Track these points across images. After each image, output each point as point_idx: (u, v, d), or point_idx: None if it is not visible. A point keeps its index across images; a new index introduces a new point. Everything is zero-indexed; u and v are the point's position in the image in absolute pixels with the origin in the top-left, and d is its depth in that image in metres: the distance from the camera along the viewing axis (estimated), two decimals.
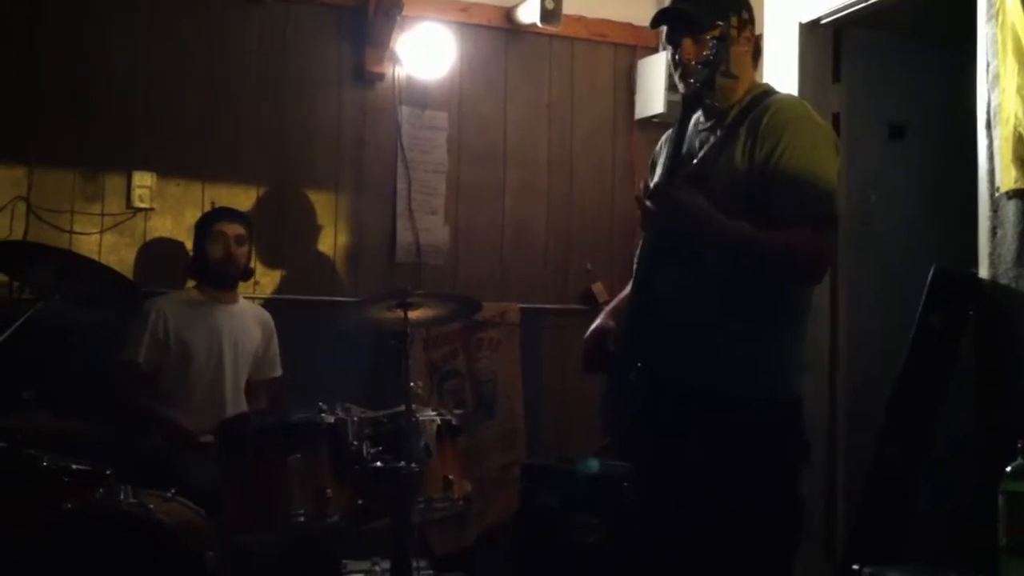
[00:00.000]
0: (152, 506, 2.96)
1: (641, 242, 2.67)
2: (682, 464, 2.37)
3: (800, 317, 2.47)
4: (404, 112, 4.62)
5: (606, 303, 4.77)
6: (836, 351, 3.96)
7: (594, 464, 3.67)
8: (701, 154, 2.46)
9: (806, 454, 2.47)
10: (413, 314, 3.40)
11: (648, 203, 2.38)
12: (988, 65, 3.01)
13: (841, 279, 3.94)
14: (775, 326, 2.41)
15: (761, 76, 2.69)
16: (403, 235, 4.60)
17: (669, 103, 4.73)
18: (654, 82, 4.83)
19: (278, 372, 4.10)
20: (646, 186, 2.50)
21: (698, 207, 2.32)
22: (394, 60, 4.58)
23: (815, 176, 2.35)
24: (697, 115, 2.53)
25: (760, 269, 2.37)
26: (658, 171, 2.65)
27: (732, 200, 2.35)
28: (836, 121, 3.93)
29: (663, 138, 2.75)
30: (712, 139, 2.47)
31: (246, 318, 4.04)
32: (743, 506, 2.31)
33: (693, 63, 2.43)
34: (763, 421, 2.35)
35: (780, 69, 4.02)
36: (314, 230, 4.47)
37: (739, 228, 2.32)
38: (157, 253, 4.19)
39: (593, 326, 2.65)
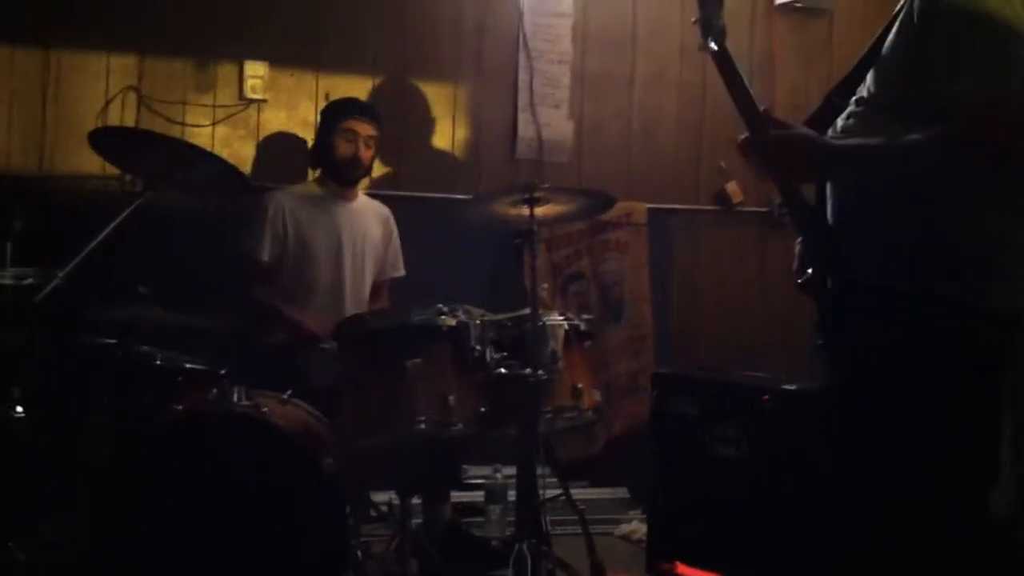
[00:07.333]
0: (267, 409, 2.83)
1: None
2: (874, 389, 2.00)
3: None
4: None
5: (740, 203, 4.55)
6: None
7: None
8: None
9: None
10: (539, 210, 3.19)
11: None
12: None
13: None
14: (983, 216, 1.95)
15: None
16: (525, 130, 4.38)
17: None
18: None
19: (401, 272, 3.95)
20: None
21: (796, 141, 2.01)
22: None
23: (990, 27, 1.81)
24: None
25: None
26: None
27: (886, 89, 1.98)
28: None
29: None
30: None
31: (367, 215, 3.87)
32: (946, 442, 1.94)
33: None
34: (975, 337, 1.93)
35: None
36: (432, 123, 4.28)
37: (866, 146, 1.94)
38: (269, 146, 4.05)
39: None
